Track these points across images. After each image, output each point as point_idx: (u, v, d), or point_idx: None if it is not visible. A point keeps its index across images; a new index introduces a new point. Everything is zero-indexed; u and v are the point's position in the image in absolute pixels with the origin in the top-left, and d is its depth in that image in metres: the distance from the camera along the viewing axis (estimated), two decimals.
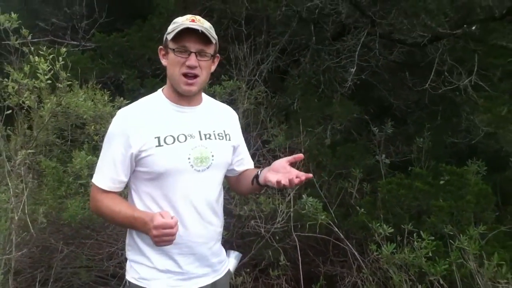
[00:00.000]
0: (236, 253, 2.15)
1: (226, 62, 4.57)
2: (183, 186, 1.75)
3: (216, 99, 3.80)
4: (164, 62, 1.82)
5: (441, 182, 3.64)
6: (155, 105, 1.82)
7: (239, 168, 2.04)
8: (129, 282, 1.83)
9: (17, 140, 2.63)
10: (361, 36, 4.51)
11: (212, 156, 1.80)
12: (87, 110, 3.28)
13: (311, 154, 4.28)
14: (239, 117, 2.05)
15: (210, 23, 1.79)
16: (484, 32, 4.05)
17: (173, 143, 1.74)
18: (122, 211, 1.74)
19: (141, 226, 1.66)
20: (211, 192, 1.86)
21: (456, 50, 4.36)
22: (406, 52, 5.24)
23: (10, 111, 2.52)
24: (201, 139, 1.80)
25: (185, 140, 1.76)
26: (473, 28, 3.91)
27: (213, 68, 1.85)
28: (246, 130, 4.01)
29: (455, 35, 3.90)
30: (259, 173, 1.87)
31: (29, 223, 2.57)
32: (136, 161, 1.74)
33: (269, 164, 4.37)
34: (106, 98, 3.72)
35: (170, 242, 1.62)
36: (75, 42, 6.37)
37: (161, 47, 1.83)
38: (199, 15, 1.81)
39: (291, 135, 4.27)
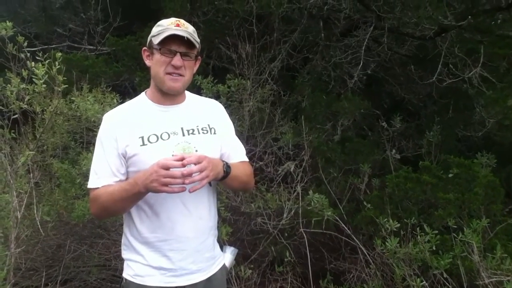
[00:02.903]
0: (232, 248, 2.16)
1: (238, 61, 4.63)
2: None
3: (221, 99, 3.85)
4: (148, 63, 1.87)
5: (450, 175, 3.59)
6: (138, 107, 1.88)
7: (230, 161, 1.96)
8: (125, 279, 1.88)
9: (20, 143, 2.74)
10: (368, 31, 4.49)
11: (196, 151, 1.81)
12: (95, 113, 3.38)
13: (320, 151, 4.29)
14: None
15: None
16: (490, 22, 3.99)
17: (156, 141, 1.79)
18: (117, 187, 1.75)
19: (142, 182, 1.64)
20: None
21: (462, 42, 4.30)
22: (417, 46, 5.19)
23: (16, 115, 2.62)
24: (183, 135, 1.84)
25: (168, 138, 1.81)
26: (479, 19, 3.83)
27: (195, 69, 1.90)
28: (252, 128, 4.04)
29: (461, 26, 3.84)
30: None
31: (37, 222, 2.67)
32: (126, 161, 1.80)
33: (280, 161, 4.41)
34: (115, 100, 3.81)
35: (170, 183, 1.59)
36: (91, 47, 6.53)
37: (145, 48, 1.88)
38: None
39: (300, 133, 4.27)
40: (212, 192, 1.96)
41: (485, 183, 3.42)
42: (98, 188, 1.79)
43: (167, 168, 1.59)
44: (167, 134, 1.81)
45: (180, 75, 1.80)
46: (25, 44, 2.44)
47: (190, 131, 1.86)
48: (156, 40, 1.77)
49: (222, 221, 3.35)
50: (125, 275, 1.89)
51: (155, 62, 1.81)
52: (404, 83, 5.48)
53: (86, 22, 6.75)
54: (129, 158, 1.78)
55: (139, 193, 1.69)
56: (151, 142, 1.78)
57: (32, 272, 3.44)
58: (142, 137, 1.79)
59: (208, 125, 1.92)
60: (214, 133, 1.93)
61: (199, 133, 1.87)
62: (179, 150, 1.79)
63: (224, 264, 2.05)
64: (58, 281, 3.30)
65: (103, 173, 1.79)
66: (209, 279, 1.92)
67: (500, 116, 3.96)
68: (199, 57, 1.89)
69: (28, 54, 2.39)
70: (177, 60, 1.76)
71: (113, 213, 2.06)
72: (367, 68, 4.90)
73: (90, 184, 1.82)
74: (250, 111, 4.02)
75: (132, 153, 1.77)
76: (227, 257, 2.11)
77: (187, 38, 1.74)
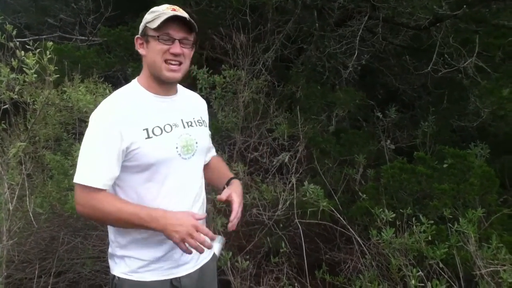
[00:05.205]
0: (220, 237, 2.17)
1: (232, 52, 4.58)
2: (173, 175, 1.76)
3: (216, 89, 3.82)
4: (142, 51, 1.80)
5: (445, 165, 3.59)
6: (136, 96, 1.79)
7: (207, 157, 2.13)
8: (118, 277, 1.80)
9: (11, 134, 2.69)
10: (363, 21, 4.46)
11: (196, 143, 1.84)
12: (87, 103, 3.33)
13: (315, 142, 4.28)
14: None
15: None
16: (485, 12, 3.98)
17: (161, 134, 1.74)
18: (130, 208, 1.67)
19: (164, 224, 1.63)
20: (197, 178, 1.89)
21: (457, 31, 4.29)
22: (412, 36, 5.17)
23: (7, 106, 2.57)
24: (184, 127, 1.82)
25: (171, 130, 1.77)
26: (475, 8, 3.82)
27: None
28: (247, 119, 4.01)
29: (456, 16, 3.82)
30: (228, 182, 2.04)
31: (30, 214, 2.64)
32: (125, 154, 1.70)
33: (274, 152, 4.38)
34: (108, 91, 3.76)
35: (195, 249, 1.65)
36: (83, 37, 6.45)
37: (138, 36, 1.81)
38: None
39: (295, 123, 4.25)
40: (203, 185, 1.98)
41: (480, 173, 3.42)
42: (98, 188, 1.66)
43: (198, 230, 1.64)
44: (169, 126, 1.78)
45: (180, 63, 1.75)
46: (14, 33, 2.37)
47: (189, 123, 1.86)
48: (152, 25, 1.70)
49: (217, 212, 3.33)
50: (118, 273, 1.81)
51: (151, 50, 1.74)
52: (398, 73, 5.48)
53: (77, 12, 6.67)
54: (131, 151, 1.69)
55: (151, 228, 1.66)
56: (156, 135, 1.73)
57: (25, 264, 3.40)
58: (147, 129, 1.72)
59: (201, 117, 1.96)
60: (206, 126, 1.98)
61: (196, 125, 1.89)
62: (182, 142, 1.79)
63: (214, 253, 2.05)
64: (52, 273, 3.26)
65: (104, 172, 1.67)
66: (201, 268, 1.94)
67: (495, 106, 3.96)
68: (193, 46, 1.84)
69: (18, 43, 2.33)
70: (176, 47, 1.72)
71: (106, 223, 1.88)
72: (362, 59, 4.89)
73: (87, 181, 1.66)
74: (245, 102, 3.99)
75: (136, 146, 1.69)
76: (215, 246, 2.12)
77: (188, 19, 1.70)
